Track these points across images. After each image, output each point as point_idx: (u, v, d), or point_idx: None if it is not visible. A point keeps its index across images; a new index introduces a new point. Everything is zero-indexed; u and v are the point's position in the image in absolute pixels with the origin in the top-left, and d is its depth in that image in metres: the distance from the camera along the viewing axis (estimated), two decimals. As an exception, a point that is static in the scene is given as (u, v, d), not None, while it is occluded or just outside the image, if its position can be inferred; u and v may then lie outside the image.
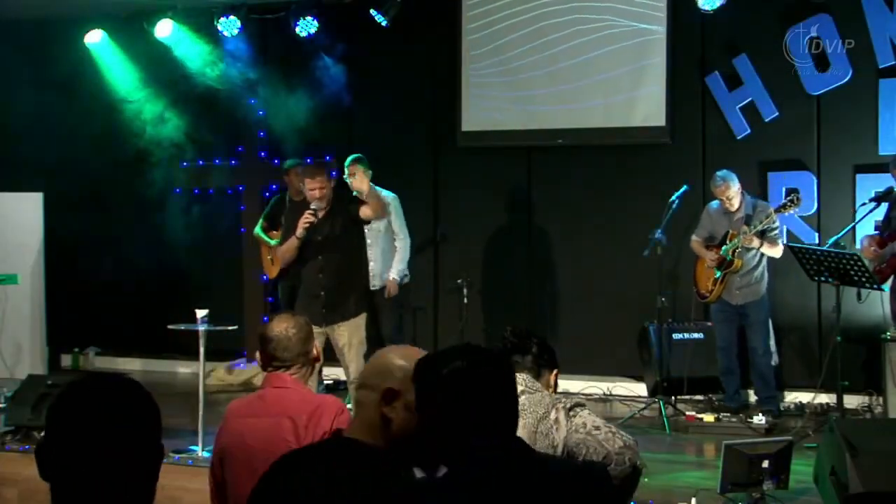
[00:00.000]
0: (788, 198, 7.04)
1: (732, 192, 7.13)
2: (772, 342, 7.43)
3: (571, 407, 3.19)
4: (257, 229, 8.65)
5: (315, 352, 3.42)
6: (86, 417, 1.79)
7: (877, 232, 7.01)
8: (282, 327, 3.35)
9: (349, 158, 7.22)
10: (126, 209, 9.71)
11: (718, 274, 7.17)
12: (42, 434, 1.83)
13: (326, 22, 8.85)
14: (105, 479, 1.78)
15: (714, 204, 7.39)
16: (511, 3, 8.58)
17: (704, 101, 8.11)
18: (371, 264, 7.75)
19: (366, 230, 7.71)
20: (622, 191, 8.40)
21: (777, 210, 7.01)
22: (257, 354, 3.44)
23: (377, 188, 7.82)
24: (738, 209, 7.17)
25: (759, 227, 6.98)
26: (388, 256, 7.84)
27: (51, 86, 9.50)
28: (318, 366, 3.48)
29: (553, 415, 3.16)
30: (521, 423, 3.03)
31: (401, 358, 2.42)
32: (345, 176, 7.11)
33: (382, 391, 2.35)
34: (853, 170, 7.68)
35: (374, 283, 7.79)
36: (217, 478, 3.32)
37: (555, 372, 3.40)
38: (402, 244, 7.85)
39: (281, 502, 1.41)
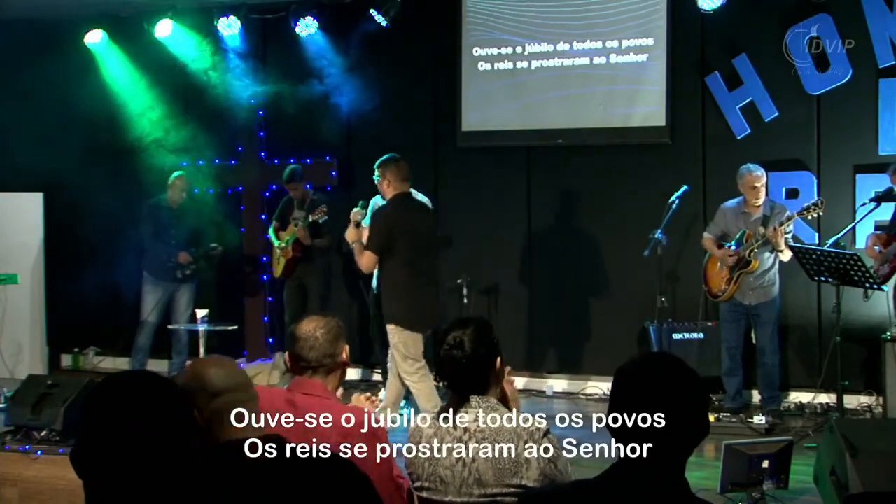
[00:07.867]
0: (813, 202, 6.98)
1: (764, 181, 7.12)
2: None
3: (542, 436, 2.98)
4: (270, 231, 8.69)
5: (343, 356, 3.35)
6: (111, 418, 1.81)
7: (879, 231, 7.01)
8: (310, 327, 3.32)
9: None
10: (126, 209, 9.70)
11: (733, 273, 7.15)
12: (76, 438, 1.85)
13: (326, 22, 8.85)
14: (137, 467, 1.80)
15: (730, 203, 7.35)
16: (511, 3, 8.58)
17: (704, 101, 8.11)
18: None
19: None
20: (622, 191, 8.39)
21: (800, 213, 6.95)
22: (286, 355, 3.43)
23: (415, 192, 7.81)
24: (757, 208, 7.15)
25: (782, 227, 6.93)
26: None
27: (51, 86, 9.49)
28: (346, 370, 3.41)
29: (523, 450, 2.96)
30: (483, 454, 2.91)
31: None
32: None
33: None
34: (853, 170, 7.68)
35: None
36: None
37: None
38: None
39: None
